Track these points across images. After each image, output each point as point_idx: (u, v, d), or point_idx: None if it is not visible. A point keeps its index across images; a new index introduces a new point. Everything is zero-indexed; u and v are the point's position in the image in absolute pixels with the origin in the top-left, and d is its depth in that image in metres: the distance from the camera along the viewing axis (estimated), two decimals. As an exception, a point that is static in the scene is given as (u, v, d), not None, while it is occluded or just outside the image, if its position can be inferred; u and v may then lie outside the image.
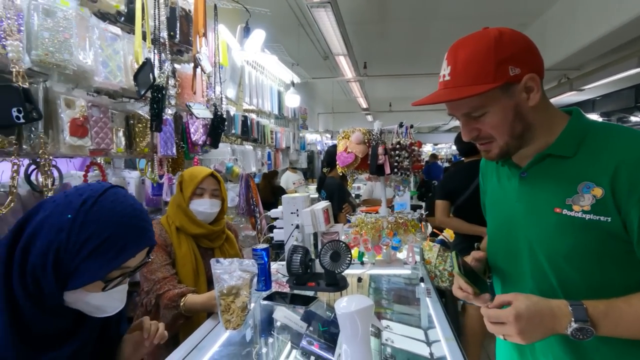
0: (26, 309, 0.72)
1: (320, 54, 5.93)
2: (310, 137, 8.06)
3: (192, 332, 1.24)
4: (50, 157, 1.34)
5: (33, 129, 1.27)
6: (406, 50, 6.16)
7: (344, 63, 5.14)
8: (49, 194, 1.33)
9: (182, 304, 1.36)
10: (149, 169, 1.98)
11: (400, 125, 1.53)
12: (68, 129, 1.35)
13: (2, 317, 0.70)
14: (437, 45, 4.31)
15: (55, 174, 1.44)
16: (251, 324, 1.25)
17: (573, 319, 0.72)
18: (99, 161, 1.76)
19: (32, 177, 1.38)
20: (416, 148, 1.54)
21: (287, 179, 5.21)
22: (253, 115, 3.43)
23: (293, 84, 4.41)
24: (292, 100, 4.35)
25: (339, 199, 3.34)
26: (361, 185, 6.73)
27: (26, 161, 1.30)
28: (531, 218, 0.85)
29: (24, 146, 1.25)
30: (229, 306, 1.16)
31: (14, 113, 0.93)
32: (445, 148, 19.59)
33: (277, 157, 4.24)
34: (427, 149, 19.56)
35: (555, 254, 0.82)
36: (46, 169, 1.29)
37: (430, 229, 4.19)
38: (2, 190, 1.31)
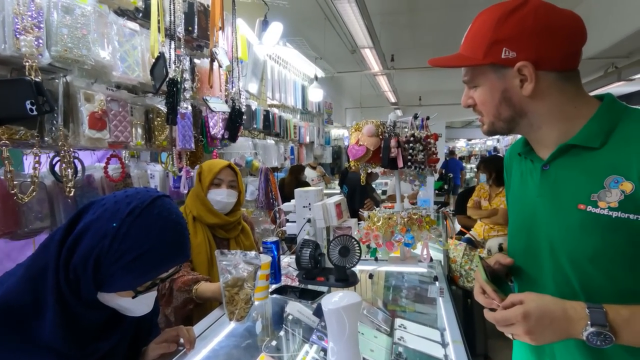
0: (72, 302, 0.76)
1: (347, 47, 5.85)
2: (337, 132, 8.01)
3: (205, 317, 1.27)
4: (71, 149, 1.40)
5: (54, 122, 1.33)
6: (436, 41, 5.94)
7: (369, 56, 5.04)
8: (70, 185, 1.39)
9: (194, 289, 1.40)
10: (170, 162, 2.04)
11: (415, 117, 1.46)
12: (87, 122, 1.41)
13: (53, 309, 0.74)
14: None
15: (78, 165, 1.51)
16: (255, 316, 1.25)
17: (589, 323, 0.65)
18: (122, 154, 1.83)
19: (56, 168, 1.45)
20: (432, 141, 1.46)
21: (306, 176, 5.20)
22: (275, 110, 3.44)
23: (316, 78, 4.38)
24: (315, 95, 4.33)
25: (360, 194, 3.30)
26: (388, 182, 6.64)
27: (45, 154, 1.37)
28: (553, 215, 0.78)
29: (46, 138, 1.32)
30: (233, 298, 1.16)
31: (28, 105, 0.98)
32: (480, 144, 18.82)
33: (300, 152, 4.24)
34: (461, 144, 18.91)
35: (578, 256, 0.74)
36: (66, 160, 1.35)
37: (457, 227, 4.04)
38: (27, 180, 1.39)
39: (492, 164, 3.31)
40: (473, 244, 3.20)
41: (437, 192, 5.80)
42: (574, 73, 0.77)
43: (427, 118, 1.49)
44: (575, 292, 0.75)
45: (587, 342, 0.66)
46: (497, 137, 16.52)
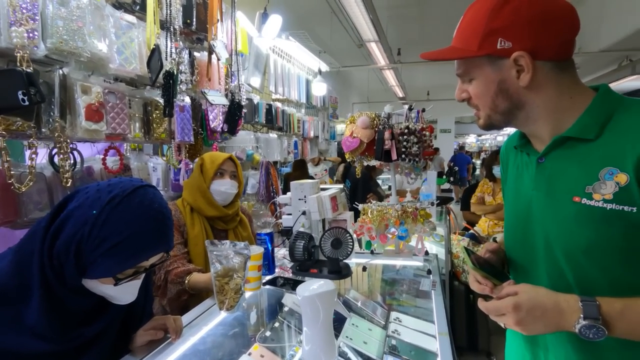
0: (56, 287, 0.78)
1: (354, 41, 5.80)
2: (343, 127, 7.97)
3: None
4: (68, 141, 1.42)
5: (51, 113, 1.35)
6: (445, 34, 5.82)
7: (375, 50, 5.00)
8: (67, 176, 1.42)
9: (187, 281, 1.42)
10: (171, 155, 2.05)
11: (410, 109, 1.44)
12: (84, 114, 1.43)
13: (38, 294, 0.76)
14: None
15: (77, 157, 1.53)
16: (244, 306, 1.26)
17: (582, 316, 0.65)
18: (123, 147, 1.85)
19: (55, 160, 1.48)
20: (427, 133, 1.44)
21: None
22: (278, 104, 3.44)
23: (320, 72, 4.36)
24: (319, 89, 4.31)
25: (363, 188, 3.28)
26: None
27: (45, 145, 1.39)
28: (548, 208, 0.77)
29: (43, 129, 1.34)
30: (223, 287, 1.18)
31: (20, 96, 1.00)
32: (490, 139, 18.54)
33: (304, 146, 4.23)
34: (471, 140, 18.66)
35: (573, 249, 0.74)
36: (63, 151, 1.37)
37: (460, 222, 4.00)
38: (27, 171, 1.41)
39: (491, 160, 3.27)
40: (477, 240, 3.16)
41: (444, 187, 5.86)
42: (568, 63, 0.76)
43: (423, 110, 1.47)
44: (569, 285, 0.74)
45: (579, 335, 0.65)
46: (507, 132, 16.27)
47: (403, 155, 1.43)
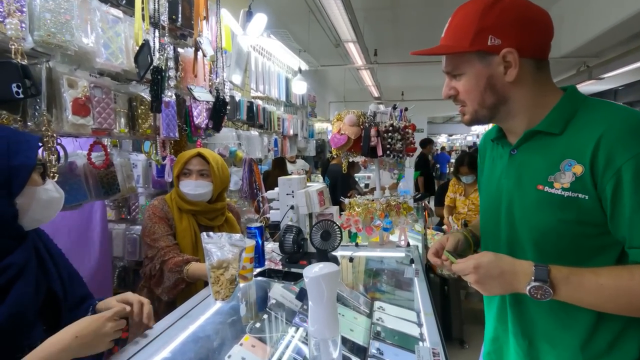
0: None
1: (331, 41, 5.87)
2: (320, 125, 8.04)
3: (190, 298, 1.31)
4: (54, 135, 1.40)
5: (37, 107, 1.32)
6: (419, 37, 6.04)
7: (353, 50, 5.10)
8: (53, 170, 1.39)
9: (185, 270, 1.44)
10: (154, 151, 2.04)
11: (394, 108, 1.53)
12: (70, 108, 1.41)
13: None
14: (448, 31, 4.21)
15: (61, 152, 1.51)
16: (239, 296, 1.30)
17: (533, 278, 0.74)
18: (106, 142, 1.82)
19: (42, 154, 1.44)
20: (410, 131, 1.54)
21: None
22: (259, 102, 3.45)
23: (300, 70, 4.40)
24: (299, 87, 4.36)
25: (342, 185, 3.36)
26: (371, 175, 6.76)
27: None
28: (514, 195, 0.87)
29: (29, 123, 1.31)
30: (218, 278, 1.21)
31: (14, 89, 0.99)
32: (460, 139, 19.23)
33: (284, 144, 4.27)
34: (442, 139, 19.25)
35: (534, 232, 0.84)
36: (49, 145, 1.35)
37: (432, 218, 4.17)
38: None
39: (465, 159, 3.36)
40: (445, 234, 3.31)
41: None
42: (545, 63, 0.86)
43: (406, 109, 1.56)
44: None
45: (529, 294, 0.75)
46: (477, 132, 16.90)
47: (388, 152, 1.51)
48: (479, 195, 1.09)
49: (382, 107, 1.60)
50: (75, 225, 2.06)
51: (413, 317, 1.42)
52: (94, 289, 1.13)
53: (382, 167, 1.66)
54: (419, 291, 1.34)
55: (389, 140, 1.51)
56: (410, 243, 1.73)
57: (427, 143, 7.45)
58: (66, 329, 0.84)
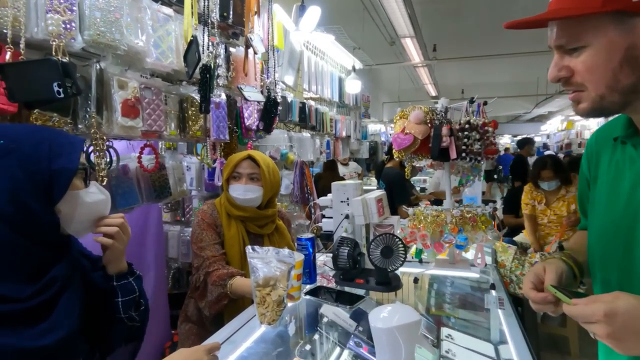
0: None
1: (386, 38, 5.63)
2: (374, 127, 7.79)
3: (237, 314, 1.20)
4: (104, 138, 1.36)
5: (87, 109, 1.30)
6: (482, 29, 5.56)
7: (411, 46, 4.81)
8: (102, 174, 1.36)
9: (229, 284, 1.35)
10: (205, 154, 1.99)
11: (472, 102, 1.28)
12: (120, 110, 1.37)
13: None
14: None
15: (113, 155, 1.48)
16: (288, 319, 1.14)
17: None
18: (158, 145, 1.80)
19: (92, 157, 1.43)
20: (490, 129, 1.28)
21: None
22: (312, 102, 3.33)
23: (354, 69, 4.22)
24: (353, 86, 4.17)
25: (399, 190, 3.12)
26: (427, 178, 6.34)
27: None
28: None
29: (79, 125, 1.29)
30: (264, 299, 1.07)
31: (55, 87, 0.93)
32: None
33: (336, 146, 4.11)
34: (505, 141, 17.90)
35: None
36: (98, 148, 1.32)
37: (503, 227, 3.75)
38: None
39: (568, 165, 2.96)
40: (524, 248, 2.92)
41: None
42: None
43: (485, 103, 1.30)
44: None
45: None
46: (547, 132, 15.46)
47: (464, 154, 1.26)
48: (588, 210, 0.83)
49: (441, 98, 1.36)
50: (130, 226, 2.09)
51: (490, 350, 1.18)
52: (149, 290, 1.05)
53: (453, 172, 1.41)
54: (507, 328, 1.09)
55: (465, 140, 1.26)
56: (488, 262, 1.46)
57: (525, 143, 6.30)
58: None
